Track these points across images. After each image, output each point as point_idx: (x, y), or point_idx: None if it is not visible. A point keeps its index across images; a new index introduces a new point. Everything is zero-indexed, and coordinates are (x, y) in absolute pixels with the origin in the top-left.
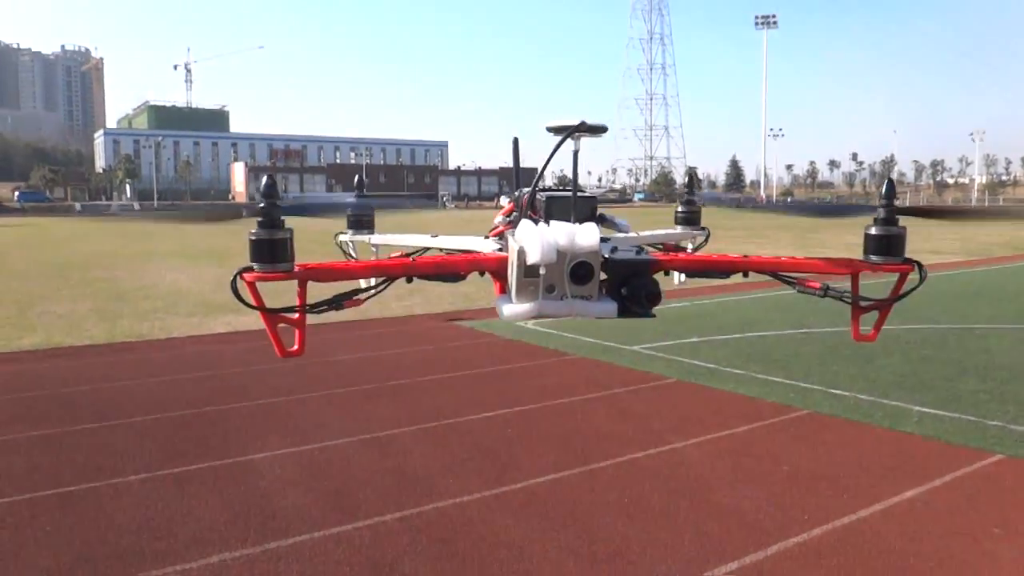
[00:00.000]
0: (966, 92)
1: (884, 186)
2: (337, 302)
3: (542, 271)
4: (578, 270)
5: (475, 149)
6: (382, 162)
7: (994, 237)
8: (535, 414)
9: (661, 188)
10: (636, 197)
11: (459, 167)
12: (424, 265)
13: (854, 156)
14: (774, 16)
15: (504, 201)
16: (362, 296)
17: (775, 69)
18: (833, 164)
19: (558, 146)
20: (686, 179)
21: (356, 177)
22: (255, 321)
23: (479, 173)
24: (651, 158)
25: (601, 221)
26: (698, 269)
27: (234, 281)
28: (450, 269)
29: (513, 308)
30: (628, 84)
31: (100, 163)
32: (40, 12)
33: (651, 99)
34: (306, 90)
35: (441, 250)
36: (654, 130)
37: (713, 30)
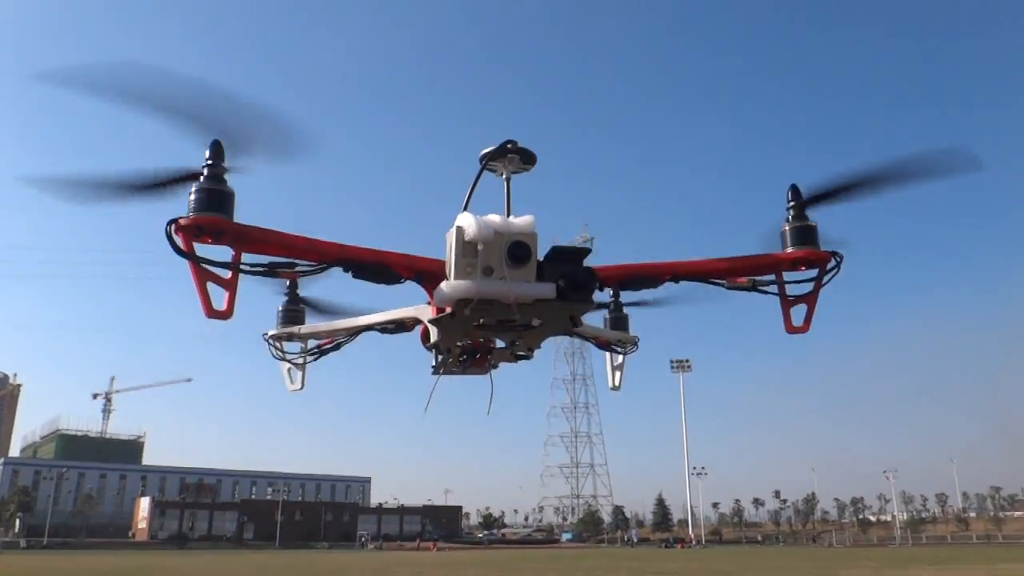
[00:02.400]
0: (875, 432)
1: (789, 191)
2: (272, 269)
3: (480, 248)
4: (515, 251)
5: (399, 485)
6: (300, 498)
7: None
8: None
9: (589, 527)
10: (564, 537)
11: (380, 504)
12: (358, 252)
13: (777, 494)
14: (688, 361)
15: None
16: (297, 269)
17: (694, 409)
18: (758, 502)
19: (483, 166)
20: (612, 296)
21: (289, 283)
22: None
23: (401, 511)
24: (578, 496)
25: None
26: (632, 277)
27: (168, 227)
28: (385, 261)
29: (452, 286)
30: (553, 423)
31: None
32: None
33: (576, 437)
34: (229, 419)
35: (372, 325)
36: (580, 468)
37: (632, 371)
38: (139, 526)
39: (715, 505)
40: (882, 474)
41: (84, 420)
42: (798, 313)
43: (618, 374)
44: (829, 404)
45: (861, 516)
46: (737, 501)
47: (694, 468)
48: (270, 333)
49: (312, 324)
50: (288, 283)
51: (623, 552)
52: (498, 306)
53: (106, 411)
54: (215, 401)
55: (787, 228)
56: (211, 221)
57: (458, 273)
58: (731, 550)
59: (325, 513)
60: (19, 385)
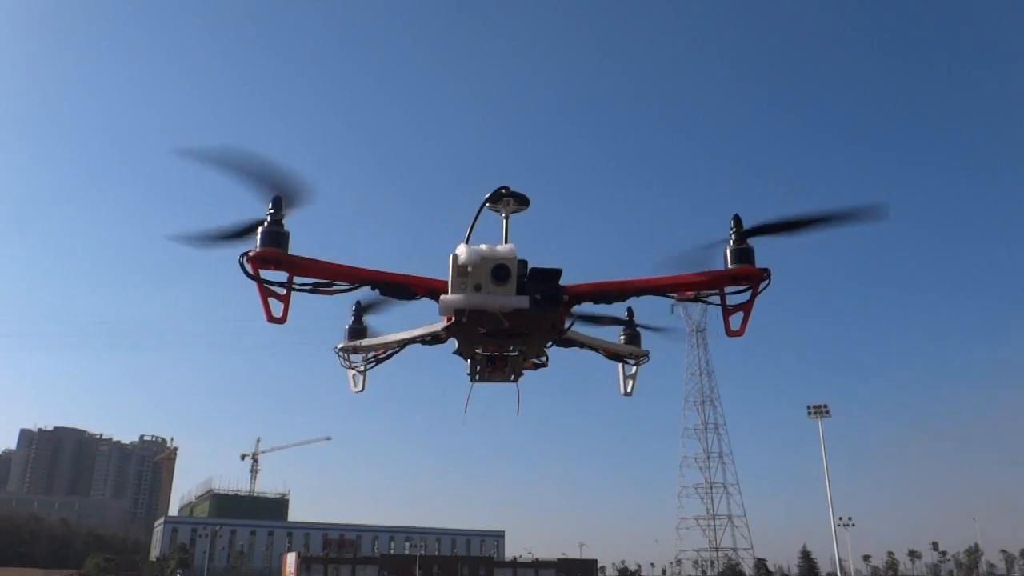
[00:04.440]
0: None
1: (732, 220)
2: (314, 288)
3: (470, 270)
4: (498, 271)
5: (532, 538)
6: (437, 552)
7: None
8: None
9: None
10: None
11: (515, 558)
12: (382, 275)
13: (935, 545)
14: (826, 406)
15: None
16: (334, 288)
17: (836, 455)
18: (913, 555)
19: (482, 206)
20: (627, 316)
21: (355, 306)
22: None
23: (536, 565)
24: (716, 549)
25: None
26: (599, 292)
27: (241, 258)
28: (404, 282)
29: (448, 299)
30: (687, 472)
31: (156, 551)
32: (125, 403)
33: (711, 487)
34: (366, 476)
35: (415, 338)
36: (717, 520)
37: (766, 419)
38: None
39: (866, 558)
40: None
41: (234, 480)
42: (736, 320)
43: (631, 382)
44: (988, 445)
45: None
46: (891, 554)
47: (840, 519)
48: (339, 346)
49: (371, 338)
50: (354, 306)
51: None
52: (487, 315)
53: (253, 471)
54: (353, 459)
55: (729, 249)
56: (272, 254)
57: (454, 289)
58: None
59: (461, 568)
60: (175, 448)
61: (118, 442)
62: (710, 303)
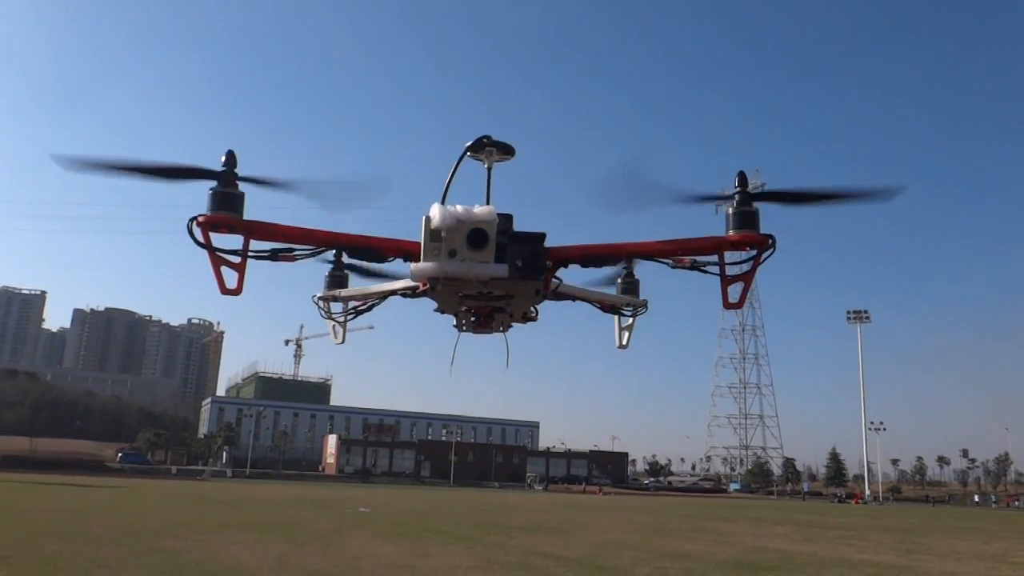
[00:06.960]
0: None
1: (737, 178)
2: (274, 254)
3: (444, 234)
4: (474, 236)
5: (566, 431)
6: (473, 440)
7: None
8: None
9: (757, 479)
10: (732, 487)
11: (548, 449)
12: (348, 238)
13: (964, 453)
14: (866, 312)
15: None
16: (295, 253)
17: (872, 361)
18: (942, 461)
19: (461, 158)
20: (625, 266)
21: (335, 254)
22: None
23: (568, 455)
24: (746, 447)
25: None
26: (588, 256)
27: (190, 224)
28: (373, 245)
29: (418, 267)
30: (721, 372)
31: (203, 429)
32: (175, 288)
33: (744, 388)
34: (407, 365)
35: (395, 291)
36: (749, 419)
37: (804, 322)
38: (328, 461)
39: (894, 462)
40: None
41: (278, 364)
42: (735, 291)
43: (627, 334)
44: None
45: None
46: (919, 458)
47: (871, 423)
48: (318, 296)
49: (351, 288)
50: (334, 254)
51: (792, 504)
52: (464, 283)
53: (297, 356)
54: (394, 348)
55: (731, 212)
56: (224, 219)
57: (426, 256)
58: (911, 507)
59: (496, 455)
60: (222, 332)
61: (167, 324)
62: (707, 272)
